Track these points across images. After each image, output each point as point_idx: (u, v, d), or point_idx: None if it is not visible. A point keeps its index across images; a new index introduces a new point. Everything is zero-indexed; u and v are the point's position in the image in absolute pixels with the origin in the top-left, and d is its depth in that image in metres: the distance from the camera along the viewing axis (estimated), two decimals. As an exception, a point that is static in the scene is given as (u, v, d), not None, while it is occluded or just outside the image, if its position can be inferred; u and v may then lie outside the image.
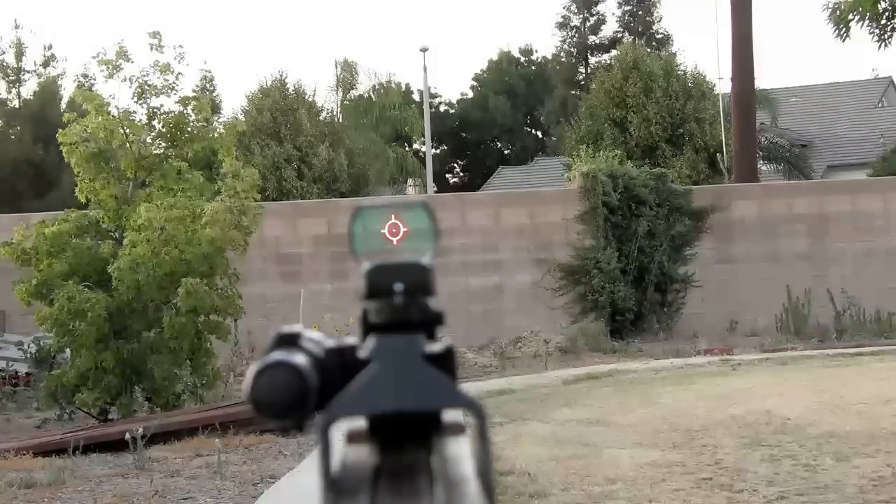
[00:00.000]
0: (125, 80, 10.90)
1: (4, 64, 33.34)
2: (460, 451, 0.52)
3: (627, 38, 41.91)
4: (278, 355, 0.61)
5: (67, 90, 32.33)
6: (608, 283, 16.90)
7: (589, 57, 45.84)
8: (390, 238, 0.77)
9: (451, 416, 0.55)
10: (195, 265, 10.09)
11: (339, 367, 0.62)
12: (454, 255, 16.63)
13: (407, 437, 0.54)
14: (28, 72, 33.78)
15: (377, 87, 34.03)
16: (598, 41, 46.03)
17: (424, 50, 31.28)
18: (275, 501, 6.22)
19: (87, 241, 10.60)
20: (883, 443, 7.01)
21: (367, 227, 0.69)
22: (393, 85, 34.87)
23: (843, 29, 17.62)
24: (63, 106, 30.19)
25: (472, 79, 51.32)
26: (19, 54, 33.53)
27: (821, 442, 7.13)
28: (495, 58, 50.77)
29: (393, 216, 0.77)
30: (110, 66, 10.82)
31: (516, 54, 50.99)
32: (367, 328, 0.63)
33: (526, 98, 48.34)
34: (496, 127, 48.66)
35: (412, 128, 33.90)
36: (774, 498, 5.60)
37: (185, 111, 11.11)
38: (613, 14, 46.24)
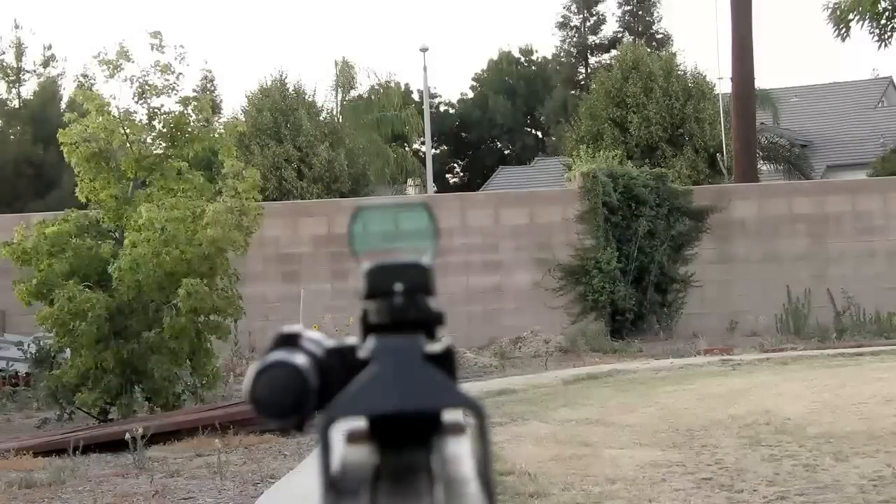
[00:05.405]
0: (126, 80, 10.89)
1: (4, 64, 33.34)
2: (460, 451, 0.52)
3: (627, 38, 41.93)
4: (278, 355, 0.61)
5: (67, 90, 32.34)
6: (608, 283, 16.90)
7: (589, 57, 45.85)
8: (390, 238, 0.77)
9: (451, 416, 0.55)
10: (196, 265, 10.08)
11: (339, 368, 0.62)
12: (454, 255, 16.62)
13: (407, 437, 0.54)
14: (28, 72, 33.81)
15: (377, 86, 34.04)
16: (598, 41, 46.07)
17: (424, 50, 31.30)
18: (275, 501, 6.22)
19: (88, 241, 10.59)
20: (883, 443, 7.00)
21: (367, 227, 0.69)
22: (393, 85, 34.87)
23: (843, 29, 17.63)
24: (63, 106, 30.20)
25: (472, 79, 51.38)
26: (19, 54, 33.54)
27: (821, 442, 7.13)
28: (495, 58, 50.80)
29: (393, 216, 0.77)
30: (111, 66, 10.81)
31: (516, 54, 51.00)
32: (367, 328, 0.63)
33: (526, 98, 48.34)
34: (496, 127, 48.67)
35: (412, 128, 33.90)
36: (774, 498, 5.60)
37: (185, 111, 11.09)
38: (613, 14, 46.34)
